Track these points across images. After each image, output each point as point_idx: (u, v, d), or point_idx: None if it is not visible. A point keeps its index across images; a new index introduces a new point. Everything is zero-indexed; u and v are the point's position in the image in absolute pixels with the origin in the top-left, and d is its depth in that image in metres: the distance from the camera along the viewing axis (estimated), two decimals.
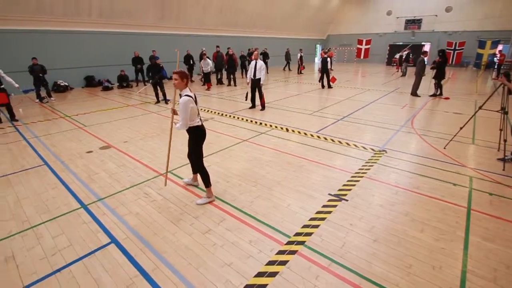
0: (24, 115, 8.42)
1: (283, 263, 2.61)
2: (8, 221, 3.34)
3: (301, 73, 18.82)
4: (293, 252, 2.74)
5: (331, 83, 12.63)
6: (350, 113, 8.20)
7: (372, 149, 5.35)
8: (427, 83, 12.12)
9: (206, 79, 12.72)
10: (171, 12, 15.70)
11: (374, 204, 3.58)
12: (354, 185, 4.01)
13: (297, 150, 5.35)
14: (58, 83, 12.58)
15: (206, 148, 5.46)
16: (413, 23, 24.95)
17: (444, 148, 5.38)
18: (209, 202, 3.61)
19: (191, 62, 14.95)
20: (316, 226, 3.12)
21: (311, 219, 3.26)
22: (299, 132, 6.42)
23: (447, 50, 19.24)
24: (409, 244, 2.85)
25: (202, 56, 12.80)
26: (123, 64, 14.17)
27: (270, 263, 2.61)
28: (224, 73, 14.74)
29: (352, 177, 4.26)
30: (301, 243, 2.87)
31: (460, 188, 3.94)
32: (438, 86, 10.56)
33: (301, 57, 18.47)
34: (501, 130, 4.87)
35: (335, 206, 3.51)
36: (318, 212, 3.38)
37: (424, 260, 2.64)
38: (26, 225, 3.26)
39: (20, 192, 4.00)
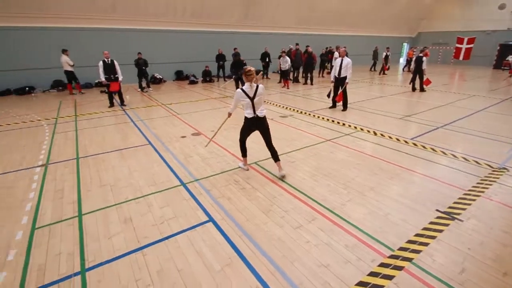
0: (129, 101, 9.85)
1: (389, 277, 2.35)
2: (125, 188, 3.90)
3: (384, 73, 17.29)
4: (399, 268, 2.45)
5: (424, 86, 11.19)
6: (452, 121, 7.09)
7: (489, 165, 4.48)
8: None
9: (283, 76, 12.77)
10: (254, 10, 16.26)
11: (497, 230, 2.97)
12: (469, 204, 3.41)
13: (390, 156, 4.86)
14: (155, 76, 14.38)
15: (290, 144, 5.41)
16: None
17: None
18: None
19: (267, 60, 15.21)
20: (425, 244, 2.73)
21: (417, 235, 2.87)
22: (390, 137, 5.84)
23: None
24: None
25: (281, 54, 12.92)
26: (207, 60, 15.33)
27: (373, 274, 2.39)
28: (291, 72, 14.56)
29: (466, 194, 3.63)
30: (408, 259, 2.55)
31: None
32: None
33: (386, 56, 16.95)
34: None
35: (446, 225, 3.03)
36: (425, 229, 2.96)
37: None
38: (139, 193, 3.75)
39: (131, 165, 4.65)
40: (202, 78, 14.92)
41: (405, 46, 27.87)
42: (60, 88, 12.62)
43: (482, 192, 3.67)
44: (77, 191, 3.85)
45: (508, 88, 12.58)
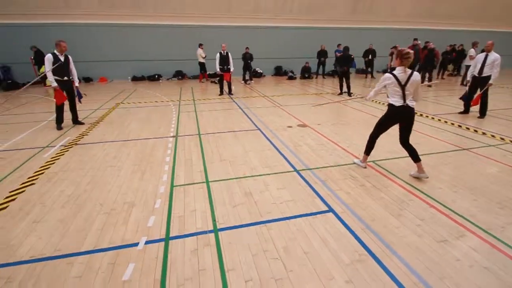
0: (235, 91, 10.63)
1: None
2: (242, 165, 4.12)
3: None
4: None
5: None
6: None
7: None
8: None
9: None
10: (364, 4, 15.16)
11: None
12: None
13: None
14: (256, 70, 15.15)
15: (418, 149, 4.74)
16: None
17: None
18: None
19: (370, 57, 13.95)
20: None
21: None
22: None
23: None
24: None
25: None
26: (307, 57, 15.19)
27: None
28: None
29: None
30: None
31: None
32: None
33: None
34: None
35: None
36: None
37: None
38: (255, 172, 3.91)
39: (245, 145, 4.92)
40: (300, 75, 14.90)
41: None
42: (180, 77, 14.71)
43: None
44: (202, 161, 4.29)
45: None
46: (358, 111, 7.47)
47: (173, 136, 5.44)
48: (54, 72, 5.64)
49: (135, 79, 14.41)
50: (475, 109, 6.86)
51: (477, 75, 6.39)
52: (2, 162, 4.30)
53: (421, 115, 6.94)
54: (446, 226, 2.72)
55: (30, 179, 3.76)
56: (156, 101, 8.91)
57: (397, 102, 3.47)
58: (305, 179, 3.68)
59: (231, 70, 9.69)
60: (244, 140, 5.20)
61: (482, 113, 6.60)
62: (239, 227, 2.72)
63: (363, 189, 3.42)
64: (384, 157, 4.34)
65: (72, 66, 5.98)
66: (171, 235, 2.62)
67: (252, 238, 2.56)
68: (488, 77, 6.24)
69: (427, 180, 3.61)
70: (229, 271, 2.19)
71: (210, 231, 2.66)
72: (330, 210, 2.99)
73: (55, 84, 5.66)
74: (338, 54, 13.61)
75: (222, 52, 9.52)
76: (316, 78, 14.69)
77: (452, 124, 6.14)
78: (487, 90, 6.40)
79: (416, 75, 3.42)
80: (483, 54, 6.37)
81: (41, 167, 4.13)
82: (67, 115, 6.20)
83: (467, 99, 6.85)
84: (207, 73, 13.93)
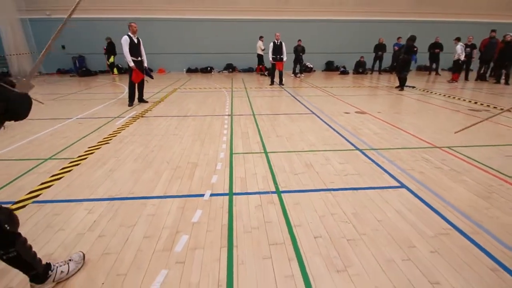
0: (285, 83, 10.53)
1: None
2: (300, 141, 4.00)
3: None
4: None
5: None
6: None
7: None
8: None
9: (455, 68, 10.35)
10: None
11: None
12: None
13: None
14: (306, 64, 14.86)
15: (495, 138, 4.16)
16: None
17: None
18: None
19: (433, 51, 12.59)
20: None
21: None
22: None
23: None
24: None
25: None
26: (362, 52, 14.40)
27: None
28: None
29: None
30: None
31: None
32: None
33: None
34: None
35: None
36: None
37: None
38: (314, 148, 3.76)
39: (300, 126, 4.79)
40: (353, 70, 14.21)
41: None
42: (230, 70, 15.11)
43: None
44: (259, 135, 4.28)
45: None
46: (422, 102, 6.82)
47: (228, 115, 5.56)
48: (130, 52, 6.16)
49: (189, 71, 15.19)
50: None
51: None
52: (81, 126, 4.82)
53: (501, 109, 6.06)
54: None
55: (105, 139, 4.13)
56: (210, 88, 9.25)
57: None
58: (370, 157, 3.42)
59: (284, 59, 9.62)
60: (300, 122, 5.08)
61: None
62: (302, 191, 2.62)
63: (440, 171, 3.06)
64: (460, 144, 3.86)
65: (142, 48, 6.48)
66: (234, 191, 2.63)
67: (318, 202, 2.44)
68: None
69: None
70: (296, 226, 2.10)
71: (273, 192, 2.61)
72: (403, 186, 2.72)
73: (132, 64, 6.17)
74: (397, 48, 12.65)
75: (276, 41, 9.51)
76: (371, 73, 13.85)
77: None
78: None
79: None
80: None
81: (114, 131, 4.52)
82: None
83: None
84: (264, 65, 14.02)
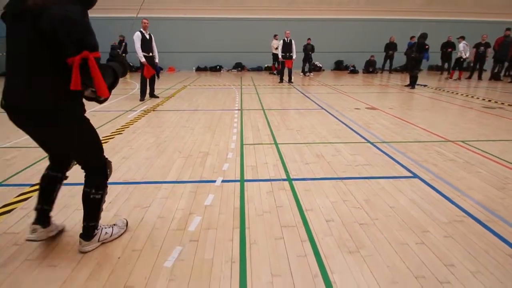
0: (294, 81, 10.53)
1: None
2: (310, 134, 4.00)
3: None
4: None
5: None
6: None
7: None
8: None
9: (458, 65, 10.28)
10: None
11: None
12: None
13: None
14: (315, 63, 14.80)
15: (508, 134, 4.05)
16: None
17: None
18: None
19: (449, 50, 12.29)
20: None
21: None
22: None
23: None
24: None
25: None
26: (372, 51, 14.25)
27: None
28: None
29: None
30: None
31: None
32: None
33: None
34: None
35: None
36: None
37: None
38: (324, 140, 3.76)
39: (311, 120, 4.78)
40: (363, 69, 14.08)
41: None
42: (239, 69, 15.19)
43: None
44: (269, 128, 4.30)
45: None
46: (435, 99, 6.73)
47: (238, 109, 5.60)
48: (141, 48, 6.27)
49: (198, 69, 15.33)
50: None
51: None
52: (95, 118, 4.92)
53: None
54: None
55: (118, 130, 4.22)
56: (219, 85, 9.33)
57: None
58: (381, 149, 3.40)
59: (293, 57, 9.63)
60: (310, 116, 5.07)
61: None
62: (313, 179, 2.62)
63: (453, 163, 3.02)
64: (475, 139, 3.79)
65: (154, 44, 6.59)
66: (245, 178, 2.65)
67: (329, 189, 2.44)
68: None
69: None
70: (308, 211, 2.11)
71: (284, 179, 2.62)
72: (416, 176, 2.69)
73: (143, 59, 6.28)
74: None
75: (286, 39, 9.52)
76: (382, 73, 13.71)
77: None
78: None
79: None
80: None
81: (126, 123, 4.61)
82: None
83: None
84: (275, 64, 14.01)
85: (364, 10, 14.10)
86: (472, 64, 10.98)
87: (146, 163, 2.99)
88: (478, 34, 12.20)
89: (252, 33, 14.53)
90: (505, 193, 2.40)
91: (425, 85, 8.98)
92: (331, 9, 14.24)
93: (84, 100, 1.59)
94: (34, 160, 3.05)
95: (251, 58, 14.95)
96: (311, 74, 12.93)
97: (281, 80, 9.96)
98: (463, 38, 10.86)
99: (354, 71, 13.70)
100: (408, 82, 8.90)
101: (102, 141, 3.66)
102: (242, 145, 3.57)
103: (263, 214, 2.08)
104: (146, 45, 6.37)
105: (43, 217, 1.69)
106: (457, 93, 7.65)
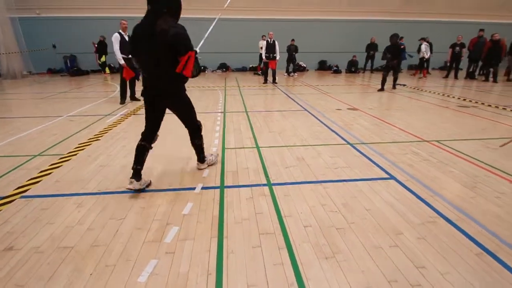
0: (278, 81, 10.57)
1: None
2: (292, 137, 4.03)
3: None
4: None
5: None
6: None
7: None
8: None
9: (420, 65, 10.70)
10: None
11: None
12: None
13: None
14: (299, 63, 14.92)
15: (482, 132, 4.23)
16: None
17: None
18: None
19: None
20: None
21: None
22: None
23: None
24: None
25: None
26: (354, 51, 14.54)
27: None
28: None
29: None
30: None
31: None
32: None
33: None
34: None
35: None
36: None
37: None
38: (305, 142, 3.79)
39: (293, 122, 4.81)
40: (346, 69, 14.33)
41: None
42: (224, 69, 15.09)
43: None
44: (251, 131, 4.29)
45: None
46: (413, 99, 6.93)
47: (221, 112, 5.56)
48: (121, 50, 6.10)
49: None
50: None
51: None
52: (72, 124, 4.76)
53: (489, 105, 6.19)
54: None
55: (96, 136, 4.09)
56: (203, 86, 9.24)
57: None
58: (360, 151, 3.47)
59: (277, 58, 9.66)
60: (292, 118, 5.11)
61: None
62: (293, 184, 2.64)
63: (428, 163, 3.12)
64: (450, 138, 3.93)
65: None
66: (225, 184, 2.63)
67: (308, 193, 2.46)
68: None
69: (505, 160, 3.17)
70: (286, 217, 2.12)
71: (264, 185, 2.62)
72: (392, 177, 2.76)
73: (122, 61, 6.11)
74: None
75: (269, 40, 9.54)
76: (364, 73, 14.00)
77: None
78: None
79: None
80: None
81: (105, 128, 4.47)
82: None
83: None
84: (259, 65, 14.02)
85: (346, 11, 14.35)
86: (448, 64, 11.39)
87: (124, 171, 2.91)
88: (453, 34, 12.72)
89: (236, 33, 14.46)
90: (475, 192, 2.50)
91: (404, 85, 9.25)
92: (314, 9, 14.39)
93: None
94: (6, 170, 2.91)
95: (236, 59, 14.89)
96: (295, 74, 13.02)
97: (266, 81, 9.97)
98: (424, 39, 11.78)
99: (337, 71, 13.91)
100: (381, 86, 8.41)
101: (78, 149, 3.57)
102: (223, 149, 3.54)
103: (242, 221, 2.07)
104: (126, 46, 6.20)
105: (137, 173, 2.45)
106: (434, 92, 7.92)
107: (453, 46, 11.04)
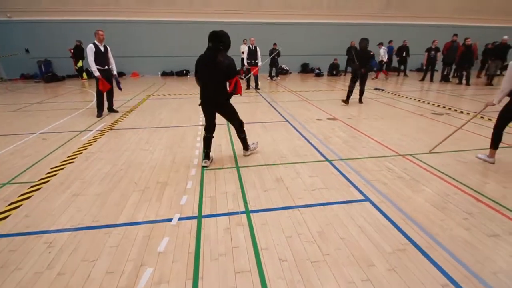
0: (261, 87, 10.59)
1: None
2: (272, 153, 4.05)
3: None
4: None
5: None
6: None
7: None
8: None
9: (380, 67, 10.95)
10: None
11: None
12: None
13: None
14: (282, 67, 15.00)
15: (454, 143, 4.39)
16: None
17: None
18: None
19: (404, 55, 13.27)
20: None
21: None
22: None
23: None
24: None
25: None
26: (336, 54, 14.78)
27: None
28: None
29: None
30: None
31: None
32: None
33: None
34: None
35: None
36: None
37: None
38: (285, 160, 3.82)
39: (274, 135, 4.84)
40: (328, 72, 14.56)
41: None
42: None
43: None
44: (231, 148, 4.28)
45: None
46: (390, 106, 7.14)
47: (202, 125, 5.50)
48: (96, 61, 5.91)
49: (164, 74, 14.85)
50: None
51: None
52: (45, 143, 4.57)
53: (461, 112, 6.48)
54: (497, 221, 2.48)
55: (70, 157, 3.95)
56: (185, 94, 9.11)
57: None
58: (338, 168, 3.54)
59: (259, 64, 9.67)
60: (273, 130, 5.13)
61: None
62: (271, 210, 2.66)
63: (402, 180, 3.22)
64: (422, 151, 4.08)
65: (110, 55, 6.24)
66: (203, 213, 2.61)
67: (285, 221, 2.49)
68: None
69: (473, 175, 3.33)
70: (263, 250, 2.13)
71: (242, 212, 2.63)
72: (367, 199, 2.84)
73: (97, 73, 5.91)
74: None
75: (251, 46, 9.52)
76: (345, 75, 14.26)
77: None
78: None
79: None
80: None
81: (80, 148, 4.33)
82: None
83: None
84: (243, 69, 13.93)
85: (327, 15, 14.55)
86: (424, 67, 11.80)
87: (98, 200, 2.83)
88: (431, 37, 13.18)
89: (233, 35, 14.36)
90: (445, 213, 2.61)
91: (382, 90, 9.50)
92: (295, 13, 14.51)
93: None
94: None
95: None
96: (278, 78, 13.09)
97: (248, 87, 9.97)
98: (382, 44, 12.70)
99: (319, 74, 14.11)
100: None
101: (50, 174, 3.43)
102: (203, 170, 3.51)
103: (218, 257, 2.06)
104: (101, 58, 6.01)
105: (207, 155, 3.63)
106: (411, 98, 8.19)
107: (428, 50, 11.45)
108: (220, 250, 2.14)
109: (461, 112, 6.47)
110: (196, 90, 10.32)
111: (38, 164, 3.76)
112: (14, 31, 13.29)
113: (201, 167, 3.60)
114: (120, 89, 6.60)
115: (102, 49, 6.04)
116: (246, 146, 3.91)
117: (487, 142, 3.83)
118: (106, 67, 6.13)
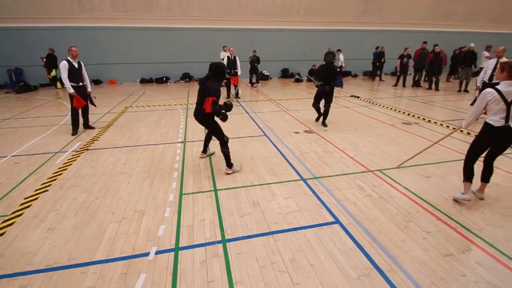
0: (242, 95, 10.69)
1: None
2: (250, 173, 4.17)
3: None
4: None
5: None
6: None
7: None
8: None
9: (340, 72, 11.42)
10: (374, 5, 15.05)
11: None
12: None
13: None
14: (263, 72, 15.18)
15: (422, 156, 4.66)
16: None
17: None
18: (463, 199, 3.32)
19: (383, 60, 13.90)
20: None
21: None
22: None
23: None
24: None
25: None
26: (315, 59, 15.12)
27: None
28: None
29: None
30: None
31: None
32: None
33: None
34: None
35: None
36: None
37: None
38: (262, 180, 3.95)
39: (252, 152, 4.97)
40: (307, 77, 14.87)
41: None
42: (187, 79, 14.84)
43: None
44: (210, 168, 4.36)
45: None
46: (364, 115, 7.45)
47: (181, 142, 5.53)
48: (70, 78, 5.78)
49: (143, 81, 14.61)
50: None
51: (487, 81, 6.31)
52: (17, 168, 4.44)
53: (428, 121, 6.89)
54: (452, 239, 2.72)
55: (44, 185, 3.88)
56: (164, 105, 9.04)
57: (498, 122, 3.01)
58: (312, 188, 3.71)
59: (238, 73, 9.76)
60: (251, 146, 5.25)
61: None
62: (246, 238, 2.77)
63: (370, 199, 3.44)
64: (390, 166, 4.34)
65: (84, 72, 6.12)
66: (180, 245, 2.68)
67: (260, 249, 2.61)
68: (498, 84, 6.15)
69: (436, 192, 3.61)
70: (237, 283, 2.24)
71: (219, 242, 2.72)
72: (337, 221, 3.01)
73: (72, 90, 5.79)
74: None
75: (230, 56, 9.60)
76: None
77: (468, 133, 6.06)
78: None
79: None
80: (494, 60, 6.30)
81: (54, 173, 4.25)
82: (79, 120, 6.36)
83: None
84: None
85: (304, 21, 14.87)
86: (398, 73, 12.35)
87: (74, 235, 2.83)
88: (405, 42, 13.81)
89: (198, 43, 14.32)
90: (407, 233, 2.83)
91: (358, 97, 9.87)
92: (273, 19, 14.71)
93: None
94: None
95: (199, 68, 14.71)
96: (259, 84, 13.26)
97: (228, 96, 10.03)
98: (340, 51, 13.97)
99: (298, 80, 14.39)
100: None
101: (24, 205, 3.36)
102: (181, 195, 3.57)
103: None
104: (75, 74, 5.89)
105: (205, 149, 4.77)
106: (383, 106, 8.57)
107: (401, 57, 12.00)
108: (196, 285, 2.23)
109: (429, 121, 6.87)
110: (176, 100, 10.35)
111: (11, 193, 3.66)
112: None
113: (179, 191, 3.66)
114: (94, 105, 6.49)
115: (76, 65, 5.91)
116: (229, 164, 4.16)
117: (453, 155, 4.12)
118: (81, 83, 6.02)
